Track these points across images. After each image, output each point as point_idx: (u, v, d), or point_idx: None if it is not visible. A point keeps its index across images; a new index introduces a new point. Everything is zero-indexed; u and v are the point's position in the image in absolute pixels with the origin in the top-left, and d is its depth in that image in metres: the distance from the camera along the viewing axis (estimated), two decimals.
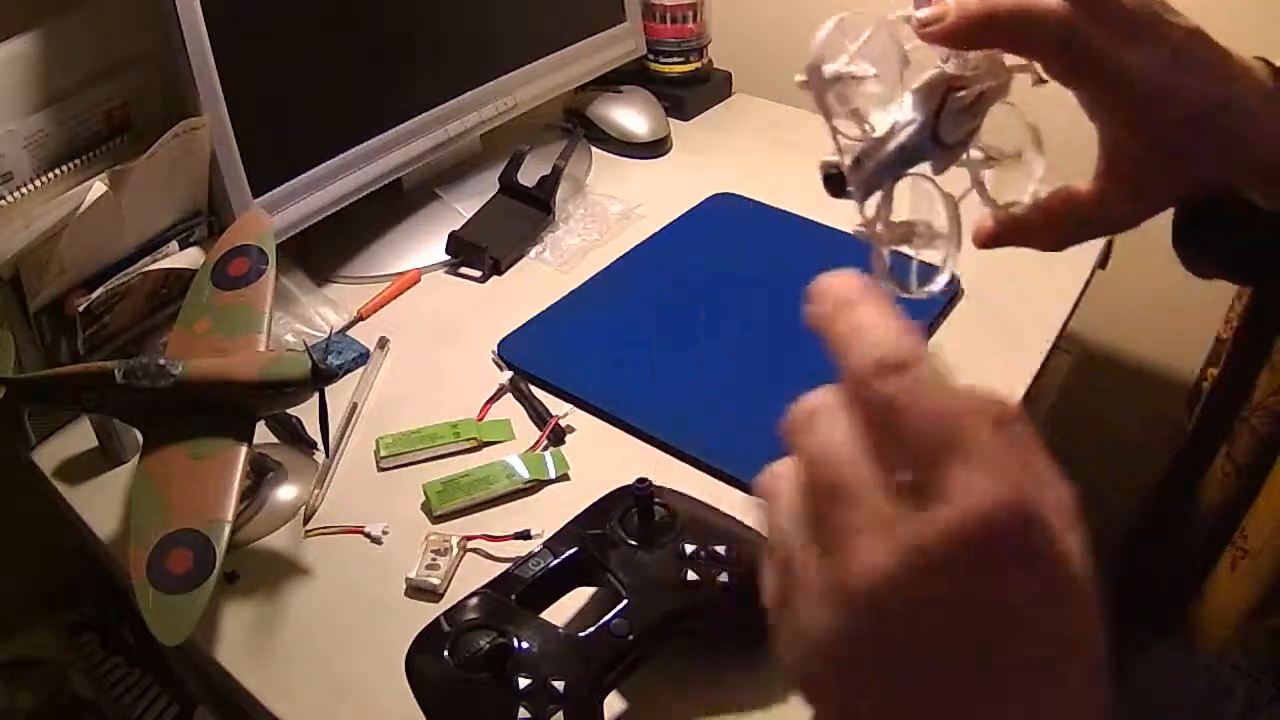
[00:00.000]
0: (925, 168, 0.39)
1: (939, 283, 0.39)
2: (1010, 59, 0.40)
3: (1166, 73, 0.38)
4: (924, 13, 0.37)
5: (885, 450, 0.25)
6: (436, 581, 0.60)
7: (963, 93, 0.38)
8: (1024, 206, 0.43)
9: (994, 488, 0.24)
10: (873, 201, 0.39)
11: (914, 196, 0.40)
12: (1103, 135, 0.41)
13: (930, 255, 0.39)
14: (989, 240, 0.44)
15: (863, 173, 0.38)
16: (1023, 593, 0.24)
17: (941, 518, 0.24)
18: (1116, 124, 0.40)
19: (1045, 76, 0.40)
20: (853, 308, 0.29)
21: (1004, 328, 0.81)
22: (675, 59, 1.12)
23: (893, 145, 0.38)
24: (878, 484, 0.25)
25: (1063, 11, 0.37)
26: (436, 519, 0.66)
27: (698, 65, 1.13)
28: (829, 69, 0.37)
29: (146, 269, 0.71)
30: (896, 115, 0.38)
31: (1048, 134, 0.42)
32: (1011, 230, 0.43)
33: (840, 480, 0.26)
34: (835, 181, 0.38)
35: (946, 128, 0.38)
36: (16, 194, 0.66)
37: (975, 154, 0.42)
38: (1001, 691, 0.24)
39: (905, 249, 0.39)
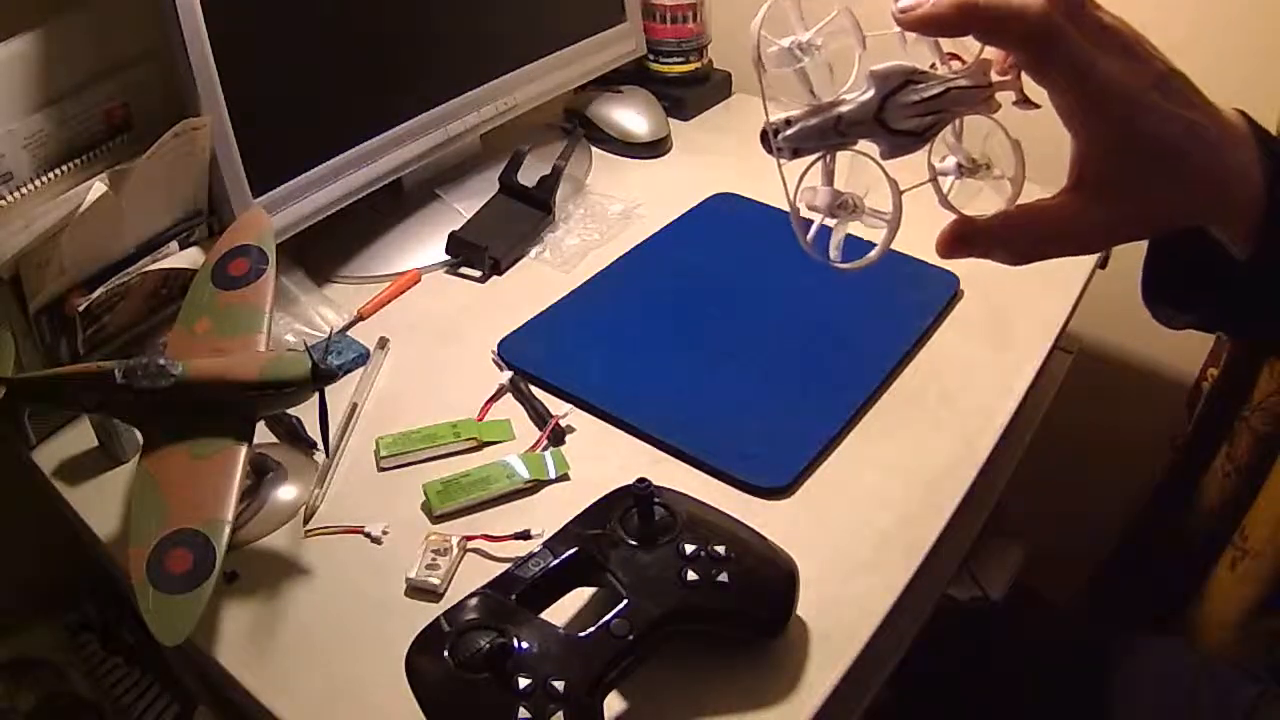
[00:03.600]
0: (874, 151, 0.41)
1: (866, 258, 0.42)
2: (995, 76, 0.41)
3: (1147, 92, 0.39)
4: (905, 1, 0.38)
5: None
6: (436, 581, 0.60)
7: (922, 85, 0.39)
8: (988, 216, 0.42)
9: None
10: (803, 164, 0.41)
11: (853, 174, 0.42)
12: (1076, 144, 0.41)
13: (871, 233, 0.42)
14: (951, 245, 0.42)
15: (792, 131, 0.40)
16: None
17: None
18: (1091, 133, 0.40)
19: (1028, 96, 0.41)
20: None
21: (1004, 327, 0.81)
22: (675, 59, 1.12)
23: (831, 114, 0.39)
24: None
25: (1043, 7, 0.37)
26: (436, 519, 0.65)
27: (698, 65, 1.13)
28: (784, 42, 0.40)
29: (146, 269, 0.71)
30: (845, 92, 0.40)
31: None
32: (973, 239, 0.42)
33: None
34: (766, 137, 0.40)
35: (893, 113, 0.39)
36: (16, 194, 0.66)
37: (950, 160, 0.43)
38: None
39: (831, 219, 0.42)
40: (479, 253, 0.89)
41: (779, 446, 0.69)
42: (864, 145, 0.41)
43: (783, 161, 0.41)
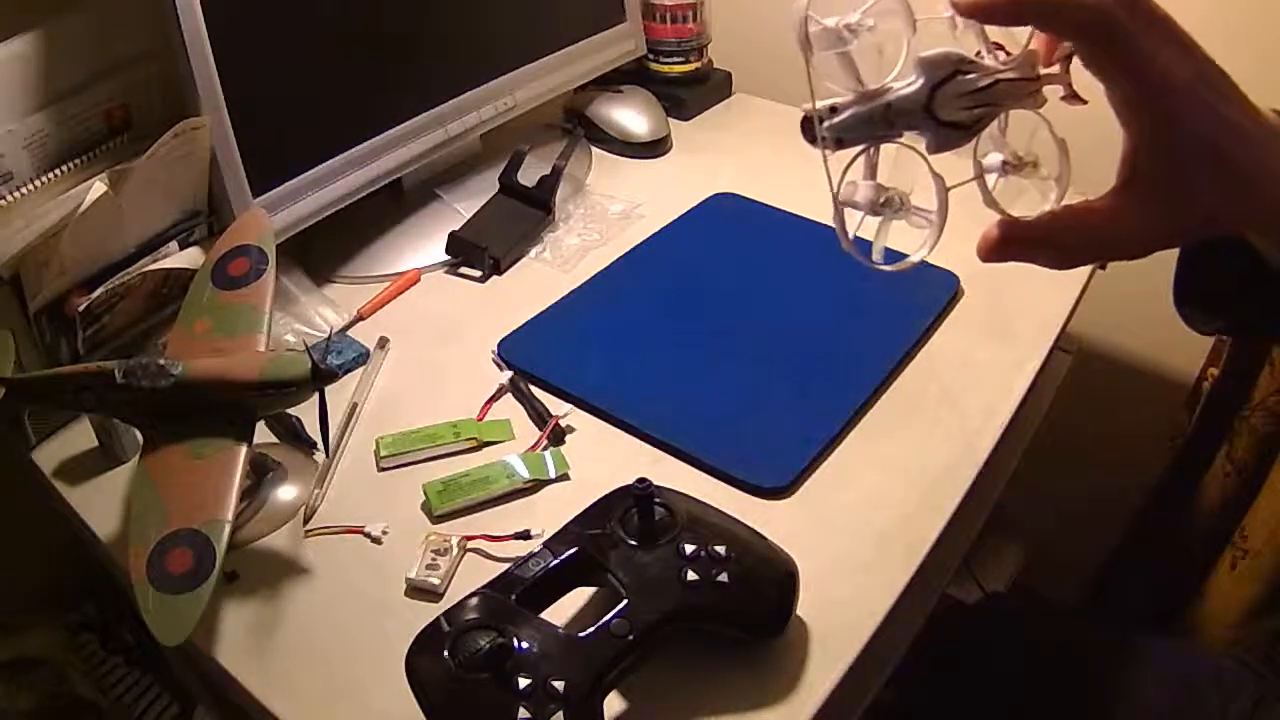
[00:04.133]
0: (920, 145, 0.39)
1: (910, 259, 0.39)
2: (1043, 69, 0.39)
3: (1197, 89, 0.38)
4: None
5: None
6: (436, 581, 0.60)
7: (971, 75, 0.37)
8: (1033, 216, 0.41)
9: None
10: (846, 156, 0.39)
11: (896, 169, 0.40)
12: (1128, 140, 0.40)
13: (914, 232, 0.40)
14: (996, 247, 0.41)
15: (839, 119, 0.38)
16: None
17: None
18: (1144, 128, 0.39)
19: (1076, 91, 0.40)
20: None
21: (1004, 327, 0.81)
22: (675, 59, 1.12)
23: (879, 101, 0.37)
24: None
25: None
26: (436, 519, 0.65)
27: (698, 65, 1.13)
28: (829, 21, 0.37)
29: (146, 269, 0.71)
30: (893, 80, 0.38)
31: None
32: (1017, 240, 0.41)
33: None
34: (808, 125, 0.38)
35: (942, 103, 0.37)
36: (16, 194, 0.66)
37: (996, 157, 0.41)
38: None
39: (873, 216, 0.39)
40: (479, 253, 0.89)
41: (779, 446, 0.69)
42: (907, 138, 0.39)
43: (826, 153, 0.38)
